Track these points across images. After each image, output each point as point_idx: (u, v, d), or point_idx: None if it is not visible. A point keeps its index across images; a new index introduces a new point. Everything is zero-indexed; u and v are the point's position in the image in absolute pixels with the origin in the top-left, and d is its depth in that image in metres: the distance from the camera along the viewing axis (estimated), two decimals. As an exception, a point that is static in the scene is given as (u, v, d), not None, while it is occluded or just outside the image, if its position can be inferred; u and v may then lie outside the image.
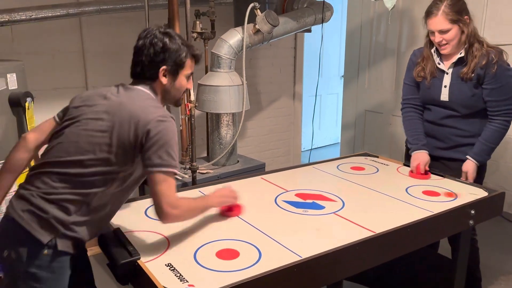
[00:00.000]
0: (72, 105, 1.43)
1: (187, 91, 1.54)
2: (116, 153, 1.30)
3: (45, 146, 1.43)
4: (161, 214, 1.31)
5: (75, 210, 1.29)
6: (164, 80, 1.42)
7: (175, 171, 1.33)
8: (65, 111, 1.46)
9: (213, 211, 1.59)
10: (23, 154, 1.46)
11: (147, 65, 1.40)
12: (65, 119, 1.41)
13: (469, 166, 2.04)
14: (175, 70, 1.42)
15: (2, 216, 1.34)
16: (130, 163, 1.33)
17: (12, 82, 2.05)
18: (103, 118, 1.33)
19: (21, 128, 2.09)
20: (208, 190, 1.87)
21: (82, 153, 1.30)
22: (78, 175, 1.29)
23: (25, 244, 1.26)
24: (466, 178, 2.05)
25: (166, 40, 1.40)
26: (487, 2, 3.25)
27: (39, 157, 1.46)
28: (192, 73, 1.50)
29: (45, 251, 1.26)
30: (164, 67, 1.40)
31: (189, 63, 1.45)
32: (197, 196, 1.70)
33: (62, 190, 1.29)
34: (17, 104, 2.03)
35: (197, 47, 1.52)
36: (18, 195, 1.33)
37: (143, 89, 1.41)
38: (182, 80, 1.46)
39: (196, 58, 1.49)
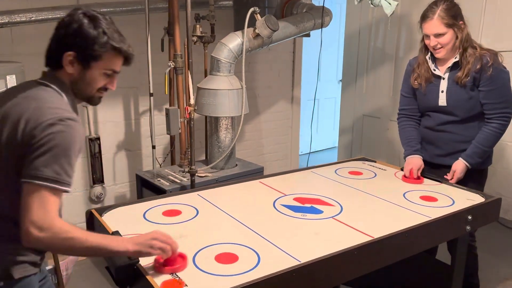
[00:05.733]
0: None
1: (106, 90, 1.28)
2: (11, 163, 1.12)
3: None
4: (22, 233, 1.07)
5: (13, 239, 1.13)
6: (69, 69, 1.20)
7: (54, 186, 1.08)
8: None
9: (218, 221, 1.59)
10: None
11: (53, 48, 1.21)
12: None
13: (458, 166, 2.05)
14: (85, 59, 1.19)
15: None
16: None
17: (11, 83, 2.05)
18: None
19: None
20: (207, 194, 1.88)
21: None
22: None
23: None
24: (452, 178, 2.06)
25: (85, 21, 1.18)
26: (484, 9, 3.28)
27: None
28: (115, 72, 1.26)
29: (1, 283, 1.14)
30: (69, 52, 1.18)
31: (109, 58, 1.21)
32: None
33: None
34: (16, 106, 2.02)
35: (130, 45, 1.26)
36: None
37: (51, 85, 1.21)
38: (95, 75, 1.22)
39: (123, 55, 1.24)
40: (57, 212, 1.10)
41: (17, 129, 1.11)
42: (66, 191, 1.12)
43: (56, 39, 1.21)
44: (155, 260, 1.25)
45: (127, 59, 1.26)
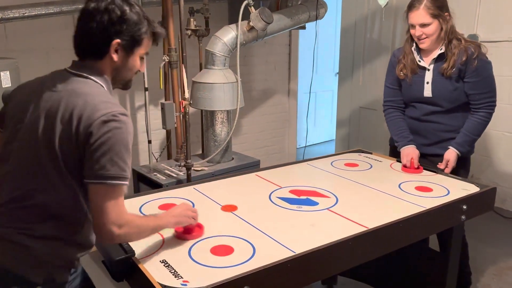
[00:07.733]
0: (8, 111, 1.20)
1: (137, 73, 1.30)
2: (65, 161, 1.10)
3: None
4: (102, 233, 1.11)
5: (67, 239, 1.15)
6: (115, 57, 1.18)
7: (123, 182, 1.10)
8: (1, 116, 1.24)
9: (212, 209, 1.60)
10: None
11: (97, 35, 1.15)
12: (4, 132, 1.19)
13: (451, 155, 2.08)
14: (130, 46, 1.19)
15: None
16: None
17: (5, 79, 2.05)
18: (40, 128, 1.10)
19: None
20: (203, 187, 1.89)
21: (38, 181, 1.11)
22: (47, 204, 1.11)
23: (15, 287, 1.09)
24: (446, 167, 2.08)
25: (126, 8, 1.16)
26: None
27: None
28: (147, 54, 1.27)
29: None
30: (118, 40, 1.16)
31: (146, 41, 1.23)
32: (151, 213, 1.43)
33: (44, 225, 1.11)
34: (10, 102, 2.02)
35: (159, 25, 1.29)
36: None
37: (90, 76, 1.17)
38: (136, 60, 1.23)
39: (155, 37, 1.25)
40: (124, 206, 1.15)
41: (70, 127, 1.08)
42: (127, 184, 1.14)
43: (100, 27, 1.14)
44: (176, 230, 1.41)
45: (157, 40, 1.27)
